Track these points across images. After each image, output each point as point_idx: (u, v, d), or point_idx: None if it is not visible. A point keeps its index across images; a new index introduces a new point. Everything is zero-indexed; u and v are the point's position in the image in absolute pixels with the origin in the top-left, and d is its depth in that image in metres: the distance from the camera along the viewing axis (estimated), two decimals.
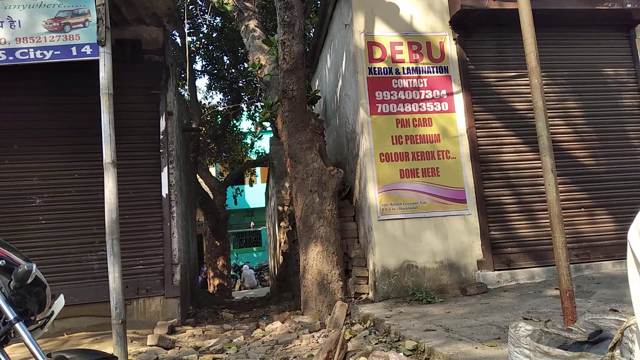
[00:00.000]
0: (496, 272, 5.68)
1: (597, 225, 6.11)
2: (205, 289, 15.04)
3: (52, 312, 2.25)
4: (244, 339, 5.09)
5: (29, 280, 2.09)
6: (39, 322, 2.20)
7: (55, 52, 5.08)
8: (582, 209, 6.13)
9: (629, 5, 6.14)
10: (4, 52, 5.02)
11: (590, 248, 6.00)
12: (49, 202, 6.17)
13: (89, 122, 5.99)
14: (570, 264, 3.27)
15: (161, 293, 6.21)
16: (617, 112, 6.46)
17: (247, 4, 8.76)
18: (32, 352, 1.94)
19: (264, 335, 5.16)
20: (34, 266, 2.12)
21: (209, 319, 7.06)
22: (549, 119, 4.09)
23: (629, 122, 6.47)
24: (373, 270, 5.61)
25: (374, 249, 5.58)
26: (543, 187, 3.34)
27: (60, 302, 2.31)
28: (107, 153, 4.41)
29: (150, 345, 4.81)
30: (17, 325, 1.97)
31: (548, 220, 3.32)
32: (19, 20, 5.07)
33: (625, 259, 1.38)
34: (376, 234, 5.59)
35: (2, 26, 5.03)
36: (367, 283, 5.81)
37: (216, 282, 14.86)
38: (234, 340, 4.99)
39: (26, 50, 5.04)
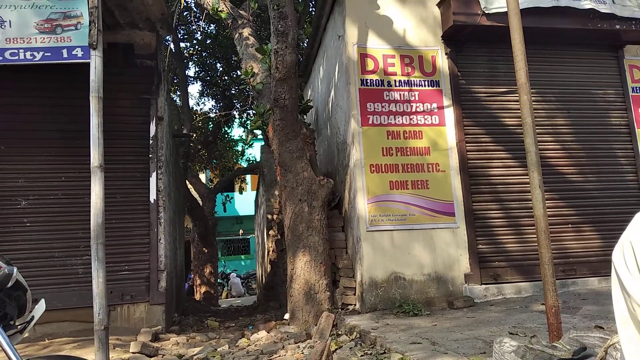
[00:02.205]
0: (483, 285, 5.69)
1: (583, 242, 6.16)
2: (192, 296, 14.90)
3: (33, 316, 2.21)
4: (229, 348, 5.03)
5: (9, 284, 2.05)
6: (19, 326, 2.15)
7: (46, 54, 5.04)
8: (569, 225, 6.18)
9: (617, 27, 6.24)
10: None
11: (577, 264, 6.04)
12: (34, 204, 6.09)
13: (78, 125, 5.94)
14: (557, 279, 3.29)
15: (146, 299, 6.13)
16: (605, 131, 6.55)
17: (241, 12, 8.77)
18: (9, 358, 1.90)
19: (249, 345, 5.11)
20: (15, 270, 2.08)
21: (194, 327, 6.98)
22: (538, 135, 4.12)
23: (616, 141, 6.56)
24: (361, 281, 5.59)
25: (362, 259, 5.57)
26: (531, 202, 3.37)
27: (40, 307, 2.26)
28: (95, 156, 4.36)
29: (132, 353, 4.74)
30: None
31: (535, 235, 3.34)
32: (10, 21, 5.03)
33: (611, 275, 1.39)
34: (364, 245, 5.58)
35: None
36: (355, 294, 5.79)
37: (203, 289, 14.72)
38: (219, 349, 4.93)
39: (16, 51, 5.00)
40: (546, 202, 3.39)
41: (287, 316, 6.14)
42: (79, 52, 5.03)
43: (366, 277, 5.51)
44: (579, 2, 6.06)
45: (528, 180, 3.40)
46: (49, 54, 5.05)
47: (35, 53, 5.04)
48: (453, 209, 5.84)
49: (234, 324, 7.33)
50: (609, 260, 1.43)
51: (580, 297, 5.35)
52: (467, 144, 6.06)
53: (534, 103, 4.11)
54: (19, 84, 6.21)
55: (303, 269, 5.68)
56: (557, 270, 5.54)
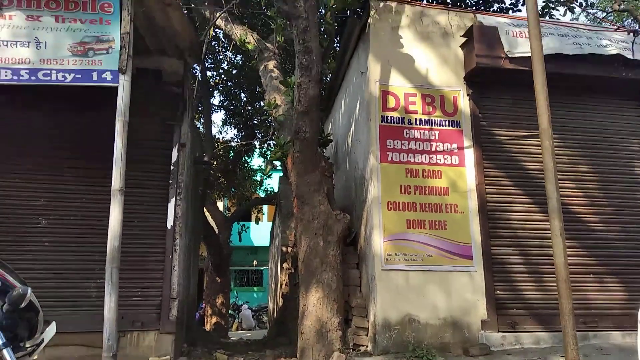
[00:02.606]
0: (500, 333, 5.50)
1: (606, 294, 5.94)
2: (202, 326, 14.74)
3: (42, 339, 2.20)
4: None
5: (23, 305, 2.05)
6: (28, 348, 2.15)
7: (77, 76, 5.20)
8: (591, 275, 5.98)
9: None
10: (27, 71, 5.14)
11: (599, 316, 5.81)
12: (54, 224, 6.16)
13: (102, 147, 6.04)
14: (578, 331, 3.17)
15: (156, 328, 6.06)
16: (629, 180, 6.41)
17: (267, 44, 9.00)
18: None
19: None
20: (29, 290, 2.09)
21: (203, 359, 6.86)
22: (560, 182, 4.05)
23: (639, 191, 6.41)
24: (374, 321, 5.46)
25: (375, 299, 5.46)
26: (551, 249, 3.28)
27: (51, 330, 2.26)
28: (117, 179, 4.44)
29: None
30: (4, 351, 1.93)
31: (555, 284, 3.24)
32: (46, 42, 5.22)
33: (636, 330, 1.32)
34: (379, 284, 5.48)
35: (28, 46, 5.18)
36: (367, 335, 5.64)
37: (213, 320, 14.57)
38: None
39: (49, 72, 5.16)
40: (567, 250, 3.30)
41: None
42: (108, 76, 5.17)
43: (380, 317, 5.38)
44: (604, 48, 6.05)
45: (549, 226, 3.32)
46: (80, 76, 5.20)
47: (66, 74, 5.19)
48: (471, 251, 5.73)
49: (242, 358, 7.19)
50: (634, 314, 1.36)
51: (602, 352, 5.13)
52: (486, 187, 5.99)
53: (556, 149, 4.07)
54: (48, 103, 6.36)
55: (315, 306, 5.58)
56: (578, 321, 5.33)
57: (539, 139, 3.55)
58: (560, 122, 6.19)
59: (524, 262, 5.88)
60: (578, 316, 5.29)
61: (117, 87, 4.82)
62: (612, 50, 6.04)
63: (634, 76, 6.18)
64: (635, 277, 5.96)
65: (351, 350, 5.49)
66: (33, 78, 5.17)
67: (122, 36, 4.91)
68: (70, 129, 6.44)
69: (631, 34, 6.14)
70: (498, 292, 5.70)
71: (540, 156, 3.53)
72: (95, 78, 5.19)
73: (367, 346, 5.56)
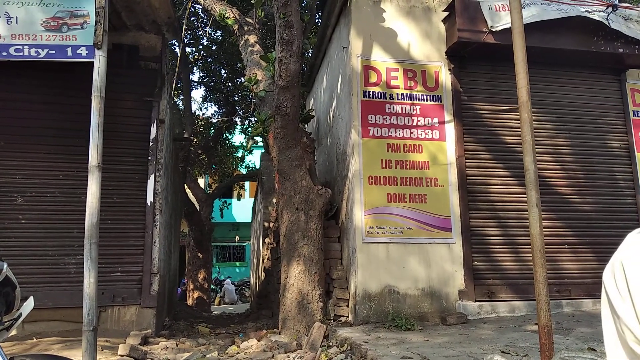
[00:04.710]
0: (477, 303, 5.65)
1: (579, 263, 6.13)
2: (184, 301, 14.81)
3: (20, 314, 2.18)
4: (218, 355, 4.99)
5: None
6: (6, 323, 2.13)
7: (50, 52, 5.07)
8: (566, 246, 6.15)
9: (621, 50, 6.27)
10: None
11: (572, 285, 6.01)
12: (30, 201, 6.07)
13: (78, 124, 5.94)
14: (551, 299, 3.26)
15: (137, 302, 6.08)
16: (605, 153, 6.55)
17: (248, 19, 8.82)
18: None
19: (238, 353, 5.06)
20: (5, 265, 2.06)
21: (185, 332, 6.93)
22: (538, 155, 4.12)
23: (615, 163, 6.55)
24: (354, 293, 5.56)
25: (356, 271, 5.54)
26: (528, 220, 3.35)
27: (29, 305, 2.24)
28: (93, 156, 4.36)
29: (120, 355, 4.69)
30: None
31: (531, 254, 3.32)
32: (17, 17, 5.06)
33: None
34: (360, 257, 5.55)
35: None
36: (348, 306, 5.75)
37: (196, 295, 14.63)
38: (208, 356, 4.89)
39: (21, 47, 5.02)
40: (543, 221, 3.37)
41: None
42: (83, 51, 5.06)
43: (360, 289, 5.47)
44: (589, 13, 6.06)
45: (526, 198, 3.38)
46: (54, 52, 5.07)
47: (39, 50, 5.06)
48: (450, 224, 5.82)
49: (224, 331, 7.27)
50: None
51: (574, 319, 5.32)
52: (466, 160, 6.06)
53: (534, 122, 4.11)
54: (22, 81, 6.21)
55: (297, 278, 5.64)
56: (552, 290, 5.50)
57: (518, 113, 3.57)
58: (540, 96, 6.27)
59: (502, 233, 6.01)
60: (552, 285, 5.45)
61: (92, 63, 4.69)
62: (595, 17, 6.05)
63: (613, 50, 6.25)
64: (608, 247, 6.12)
65: (332, 320, 5.59)
66: (4, 54, 5.04)
67: (97, 11, 4.76)
68: (46, 105, 6.30)
69: (609, 7, 6.16)
70: (476, 262, 5.83)
71: (519, 130, 3.56)
72: (69, 54, 5.07)
73: (347, 317, 5.66)
